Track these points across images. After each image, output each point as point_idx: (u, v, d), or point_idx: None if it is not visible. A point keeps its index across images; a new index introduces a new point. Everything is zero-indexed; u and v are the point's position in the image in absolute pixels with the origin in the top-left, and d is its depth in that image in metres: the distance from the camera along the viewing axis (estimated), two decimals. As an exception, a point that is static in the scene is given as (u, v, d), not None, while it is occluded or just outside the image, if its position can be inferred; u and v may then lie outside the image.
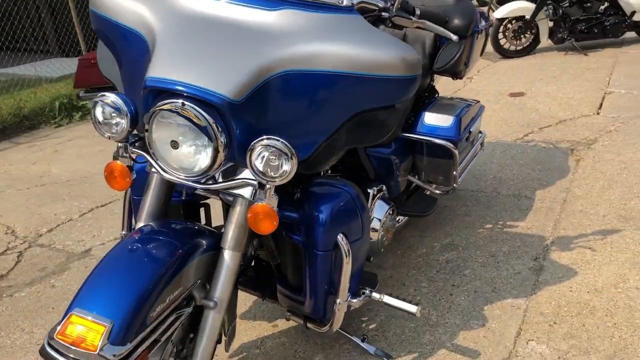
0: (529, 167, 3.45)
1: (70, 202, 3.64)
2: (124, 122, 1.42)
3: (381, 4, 1.61)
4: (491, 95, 5.19)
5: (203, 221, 1.95)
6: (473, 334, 2.02)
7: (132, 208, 1.90)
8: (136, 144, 1.52)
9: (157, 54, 1.39)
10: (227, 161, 1.39)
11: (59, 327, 1.23)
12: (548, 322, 2.04)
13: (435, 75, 2.55)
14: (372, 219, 2.02)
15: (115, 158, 1.52)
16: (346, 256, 1.60)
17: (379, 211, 2.07)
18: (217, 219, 2.00)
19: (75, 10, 6.51)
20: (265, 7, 1.42)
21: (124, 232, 1.96)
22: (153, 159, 1.44)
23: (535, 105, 4.74)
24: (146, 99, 1.39)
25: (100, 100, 1.41)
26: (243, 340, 2.10)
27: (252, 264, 2.00)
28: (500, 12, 6.68)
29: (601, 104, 4.59)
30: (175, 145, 1.37)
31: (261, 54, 1.36)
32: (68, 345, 1.20)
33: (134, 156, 1.51)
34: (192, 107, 1.30)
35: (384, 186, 2.16)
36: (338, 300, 1.67)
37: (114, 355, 1.21)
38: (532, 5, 6.63)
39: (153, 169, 1.49)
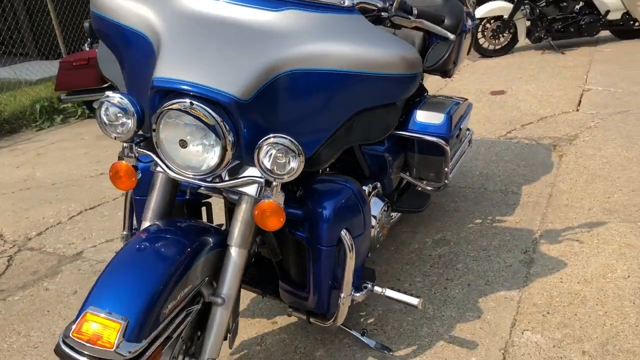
0: (513, 163, 3.53)
1: (58, 205, 3.61)
2: (130, 122, 1.43)
3: (380, 4, 1.64)
4: (472, 93, 5.27)
5: (205, 219, 1.96)
6: (469, 326, 2.07)
7: (134, 208, 1.89)
8: (141, 144, 1.53)
9: (163, 55, 1.41)
10: (234, 159, 1.41)
11: (74, 326, 1.24)
12: (541, 312, 2.10)
13: (424, 74, 2.60)
14: (369, 215, 2.05)
15: (120, 158, 1.53)
16: (350, 251, 1.64)
17: (374, 208, 2.10)
18: (217, 218, 2.02)
19: (55, 12, 6.44)
20: (269, 8, 1.45)
21: (125, 233, 1.96)
22: (160, 158, 1.45)
23: (516, 103, 4.83)
24: (153, 99, 1.41)
25: (107, 101, 1.42)
26: (243, 337, 2.12)
27: (253, 261, 2.02)
28: (479, 12, 6.79)
29: (580, 101, 4.70)
30: (183, 144, 1.38)
31: (267, 53, 1.39)
32: (84, 343, 1.21)
33: (137, 156, 1.53)
34: (201, 107, 1.32)
35: (378, 183, 2.20)
36: (342, 295, 1.70)
37: (130, 352, 1.23)
38: (510, 5, 6.76)
39: (158, 168, 1.50)
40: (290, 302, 1.85)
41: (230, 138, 1.35)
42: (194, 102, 1.33)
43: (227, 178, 1.50)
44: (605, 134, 3.84)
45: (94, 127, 5.54)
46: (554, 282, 2.26)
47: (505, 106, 4.78)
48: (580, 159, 3.46)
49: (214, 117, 1.33)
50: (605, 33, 7.07)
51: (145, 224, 1.55)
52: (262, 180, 1.44)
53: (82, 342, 1.21)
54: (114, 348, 1.20)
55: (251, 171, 1.48)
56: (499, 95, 5.12)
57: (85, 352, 1.22)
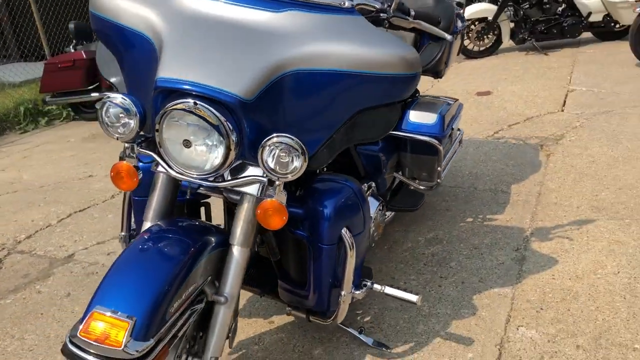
0: (502, 162, 3.58)
1: (47, 207, 3.58)
2: (132, 123, 1.43)
3: (378, 5, 1.67)
4: (459, 94, 5.33)
5: (204, 219, 1.97)
6: (465, 323, 2.10)
7: (132, 209, 1.89)
8: (142, 144, 1.54)
9: (165, 55, 1.41)
10: (237, 159, 1.42)
11: (81, 325, 1.24)
12: (535, 308, 2.13)
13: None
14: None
15: (121, 158, 1.53)
16: (350, 249, 1.65)
17: (370, 207, 2.12)
18: (216, 218, 2.02)
19: (38, 13, 6.38)
20: (270, 8, 1.46)
21: (123, 234, 1.96)
22: (162, 158, 1.46)
23: (502, 104, 4.89)
24: (156, 99, 1.41)
25: (109, 101, 1.42)
26: (241, 337, 2.12)
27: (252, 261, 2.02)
28: (464, 14, 6.86)
29: (565, 102, 4.77)
30: (187, 144, 1.39)
31: (270, 53, 1.40)
32: (92, 342, 1.21)
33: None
34: (205, 107, 1.33)
35: (373, 183, 2.23)
36: (343, 293, 1.71)
37: (137, 351, 1.23)
38: (494, 7, 6.85)
39: (160, 168, 1.51)
40: (289, 301, 1.86)
41: (233, 138, 1.36)
42: (197, 102, 1.34)
43: (229, 177, 1.51)
44: (590, 133, 3.91)
45: (79, 129, 5.50)
46: (546, 278, 2.30)
47: (492, 107, 4.84)
48: (568, 158, 3.52)
49: (217, 117, 1.34)
50: (587, 34, 7.21)
51: (147, 224, 1.55)
52: (264, 179, 1.45)
53: (89, 341, 1.21)
54: (122, 347, 1.20)
55: (252, 170, 1.50)
56: (485, 96, 5.18)
57: (93, 351, 1.22)
